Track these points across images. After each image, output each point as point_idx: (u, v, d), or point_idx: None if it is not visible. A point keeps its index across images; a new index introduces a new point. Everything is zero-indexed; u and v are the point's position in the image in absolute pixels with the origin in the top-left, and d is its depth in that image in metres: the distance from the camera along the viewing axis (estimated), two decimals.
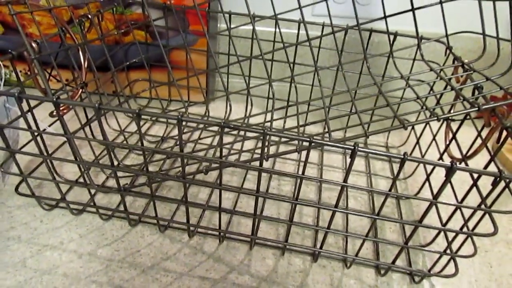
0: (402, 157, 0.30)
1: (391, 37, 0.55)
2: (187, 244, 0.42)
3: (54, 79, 0.68)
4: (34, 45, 0.42)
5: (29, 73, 0.64)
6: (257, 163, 0.33)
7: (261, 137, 0.31)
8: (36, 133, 0.36)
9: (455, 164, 0.29)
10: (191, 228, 0.42)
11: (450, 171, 0.30)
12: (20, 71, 0.67)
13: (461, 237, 0.43)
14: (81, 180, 0.48)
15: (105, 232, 0.42)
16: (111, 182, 0.49)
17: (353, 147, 0.30)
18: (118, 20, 0.61)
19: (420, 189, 0.50)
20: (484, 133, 0.40)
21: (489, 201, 0.34)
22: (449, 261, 0.40)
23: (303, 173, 0.34)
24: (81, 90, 0.48)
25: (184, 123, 0.60)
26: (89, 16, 0.51)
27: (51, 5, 0.45)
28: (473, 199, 0.49)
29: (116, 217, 0.44)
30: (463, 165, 0.41)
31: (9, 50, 0.41)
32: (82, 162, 0.36)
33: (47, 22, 0.63)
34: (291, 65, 0.59)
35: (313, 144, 0.31)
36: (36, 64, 0.41)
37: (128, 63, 0.63)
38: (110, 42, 0.64)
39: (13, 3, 0.40)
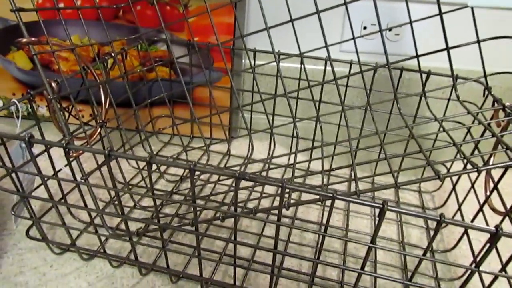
0: (438, 219, 0.27)
1: (424, 75, 0.52)
2: None
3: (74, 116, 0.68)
4: (54, 84, 0.41)
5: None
6: (275, 215, 0.31)
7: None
8: (45, 178, 0.35)
9: (500, 230, 0.26)
10: (205, 281, 0.40)
11: (495, 237, 0.26)
12: (47, 106, 0.68)
13: None
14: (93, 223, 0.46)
15: (115, 280, 0.40)
16: None
17: (381, 206, 0.27)
18: (142, 57, 0.61)
19: (458, 242, 0.45)
20: None
21: None
22: None
23: (325, 229, 0.31)
24: (100, 129, 0.47)
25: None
26: (112, 54, 0.51)
27: (73, 44, 0.45)
28: None
29: (127, 263, 0.42)
30: (508, 224, 0.37)
31: (28, 90, 0.41)
32: (91, 209, 0.35)
33: (74, 59, 0.63)
34: (317, 103, 0.57)
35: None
36: (54, 104, 0.41)
37: (150, 100, 0.62)
38: (135, 78, 0.64)
39: (35, 43, 0.40)
